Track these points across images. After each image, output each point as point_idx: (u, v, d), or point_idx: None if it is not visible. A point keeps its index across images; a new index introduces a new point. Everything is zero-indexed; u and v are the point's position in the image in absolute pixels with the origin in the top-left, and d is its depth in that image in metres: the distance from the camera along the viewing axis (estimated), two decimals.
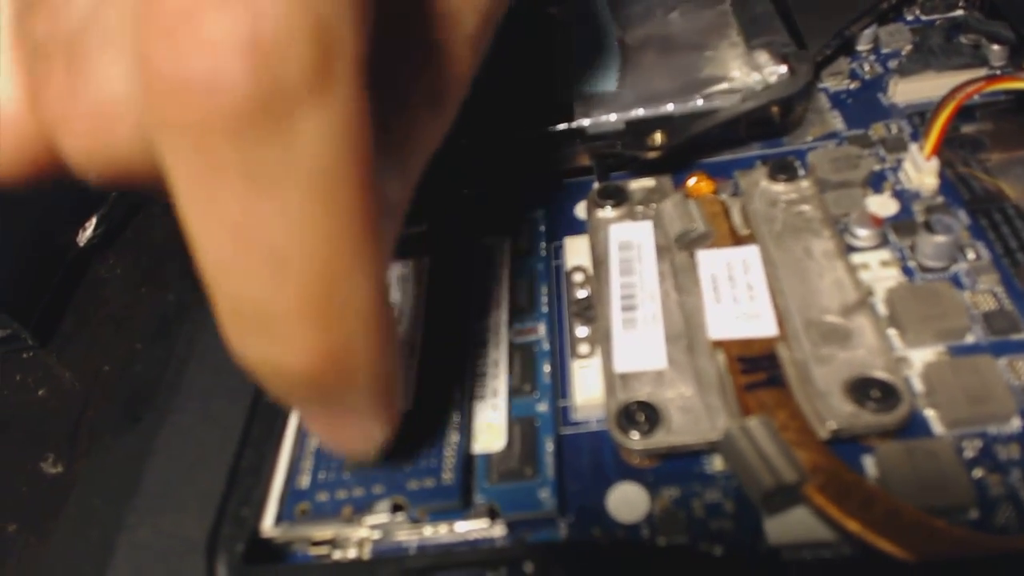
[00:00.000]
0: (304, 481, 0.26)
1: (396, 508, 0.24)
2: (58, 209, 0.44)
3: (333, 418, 0.20)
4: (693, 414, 0.25)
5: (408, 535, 0.24)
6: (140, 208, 0.46)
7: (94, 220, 0.44)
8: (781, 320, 0.26)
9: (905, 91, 0.35)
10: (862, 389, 0.24)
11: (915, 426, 0.24)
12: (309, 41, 0.14)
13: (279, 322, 0.16)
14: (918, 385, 0.25)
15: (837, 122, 0.35)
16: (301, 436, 0.27)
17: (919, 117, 0.34)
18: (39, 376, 0.42)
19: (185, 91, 0.13)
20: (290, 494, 0.25)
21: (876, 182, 0.32)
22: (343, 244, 0.15)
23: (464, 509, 0.24)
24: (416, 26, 0.18)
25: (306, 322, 0.16)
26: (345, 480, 0.25)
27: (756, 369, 0.25)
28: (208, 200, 0.15)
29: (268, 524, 0.24)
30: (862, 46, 0.38)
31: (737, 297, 0.27)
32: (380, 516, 0.24)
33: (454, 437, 0.26)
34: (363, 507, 0.24)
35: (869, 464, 0.24)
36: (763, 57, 0.34)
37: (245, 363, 0.17)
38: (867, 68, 0.37)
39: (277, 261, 0.15)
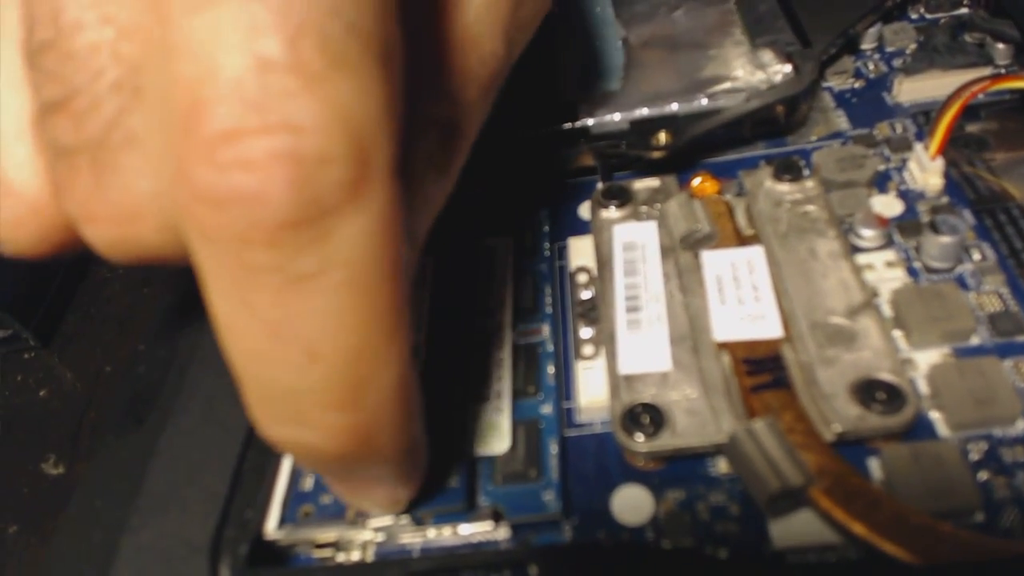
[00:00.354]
0: (308, 483, 0.26)
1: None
2: None
3: (360, 487, 0.22)
4: (698, 416, 0.25)
5: (412, 538, 0.24)
6: None
7: None
8: (786, 321, 0.26)
9: (910, 90, 0.35)
10: (868, 391, 0.24)
11: (920, 428, 0.24)
12: (347, 153, 0.14)
13: (309, 408, 0.16)
14: (923, 387, 0.25)
15: (842, 121, 0.35)
16: None
17: (923, 116, 0.34)
18: (40, 377, 0.42)
19: (227, 206, 0.14)
20: (293, 497, 0.25)
21: (881, 182, 0.32)
22: (375, 335, 0.16)
23: (469, 512, 0.24)
24: (424, 100, 0.19)
25: (336, 407, 0.16)
26: None
27: (761, 371, 0.25)
28: (243, 301, 0.15)
29: (272, 526, 0.24)
30: (866, 44, 0.37)
31: (742, 298, 0.27)
32: (384, 519, 0.24)
33: (458, 440, 0.25)
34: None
35: (874, 467, 0.24)
36: (767, 56, 0.34)
37: (273, 443, 0.18)
38: (872, 67, 0.37)
39: (310, 354, 0.16)
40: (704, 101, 0.33)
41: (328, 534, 0.24)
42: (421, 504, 0.24)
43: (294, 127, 0.14)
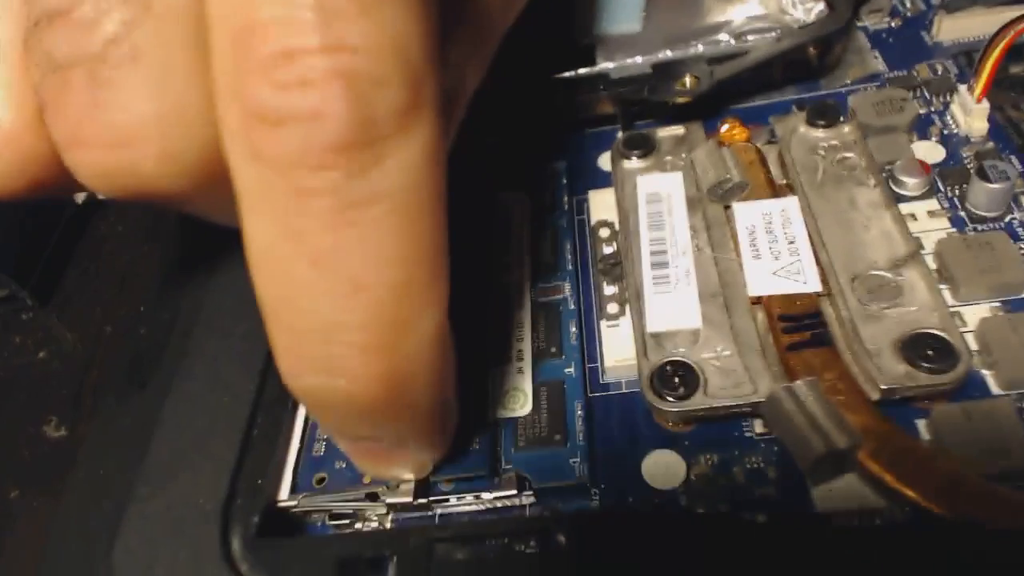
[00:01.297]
0: (320, 449, 0.24)
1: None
2: None
3: (382, 452, 0.21)
4: (733, 376, 0.23)
5: (432, 506, 0.23)
6: None
7: None
8: (825, 275, 0.25)
9: (950, 29, 0.33)
10: (915, 347, 0.22)
11: (971, 386, 0.23)
12: (402, 78, 0.14)
13: (345, 350, 0.16)
14: (972, 343, 0.24)
15: (878, 63, 0.33)
16: None
17: (965, 57, 0.32)
18: (39, 337, 0.40)
19: (284, 125, 0.14)
20: (307, 463, 0.24)
21: (921, 127, 0.30)
22: (420, 270, 0.16)
23: (491, 478, 0.23)
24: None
25: (374, 349, 0.16)
26: None
27: (799, 328, 0.24)
28: (288, 228, 0.15)
29: (284, 494, 0.23)
30: None
31: (777, 252, 0.26)
32: (403, 495, 0.23)
33: (479, 403, 0.24)
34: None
35: (922, 428, 0.22)
36: None
37: (301, 395, 0.18)
38: (908, 4, 0.35)
39: (354, 285, 0.15)
40: (732, 42, 0.31)
41: (345, 501, 0.23)
42: (442, 469, 0.23)
43: (352, 48, 0.14)
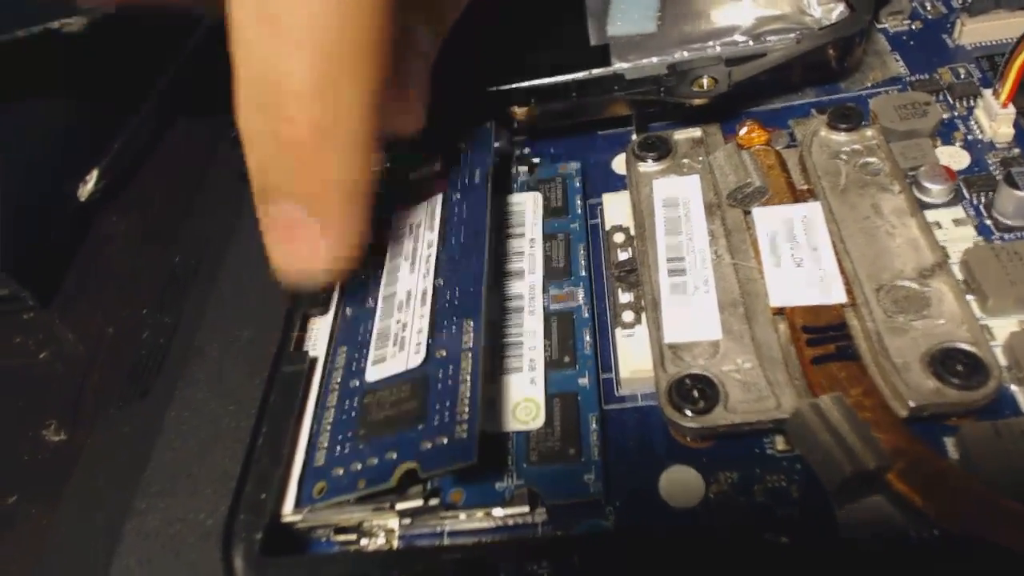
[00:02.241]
0: (320, 458, 0.23)
1: (410, 478, 0.22)
2: (57, 161, 0.41)
3: (295, 225, 0.21)
4: (755, 390, 0.22)
5: (441, 522, 0.22)
6: (144, 159, 0.43)
7: (95, 173, 0.41)
8: (849, 285, 0.24)
9: (973, 32, 0.32)
10: (944, 362, 0.21)
11: (1001, 403, 0.22)
12: None
13: (286, 94, 0.19)
14: (1001, 358, 0.23)
15: (899, 66, 0.32)
16: (320, 410, 0.25)
17: (988, 60, 0.31)
18: (40, 338, 0.40)
19: None
20: (308, 474, 0.23)
21: (944, 132, 0.29)
22: (350, 45, 0.19)
23: (479, 465, 0.21)
24: None
25: (309, 94, 0.19)
26: (360, 451, 0.23)
27: (824, 340, 0.23)
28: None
29: (288, 508, 0.22)
30: None
31: (799, 259, 0.25)
32: (412, 501, 0.22)
33: (465, 389, 0.23)
34: (378, 478, 0.22)
35: (950, 446, 0.22)
36: None
37: (248, 136, 0.20)
38: (929, 7, 0.34)
39: (296, 43, 0.19)
40: (750, 43, 0.30)
41: (351, 517, 0.22)
42: (432, 464, 0.21)
43: None
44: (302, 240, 0.21)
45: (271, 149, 0.20)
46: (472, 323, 0.24)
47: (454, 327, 0.24)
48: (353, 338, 0.26)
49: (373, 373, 0.24)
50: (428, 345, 0.24)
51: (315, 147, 0.20)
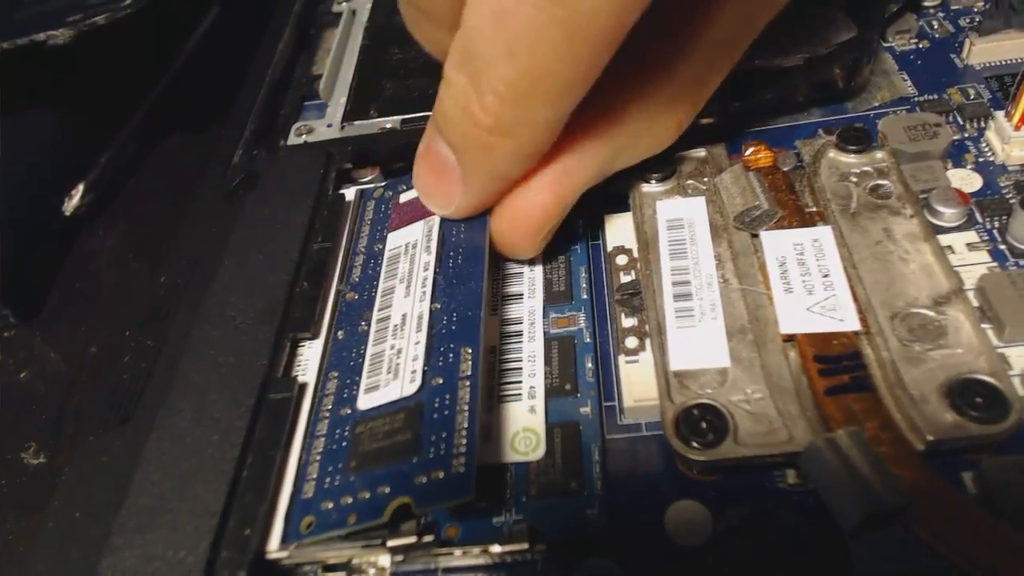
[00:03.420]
0: (309, 490, 0.22)
1: (404, 513, 0.20)
2: (42, 175, 0.40)
3: (445, 161, 0.24)
4: (765, 421, 0.21)
5: (435, 559, 0.21)
6: (131, 175, 0.42)
7: (81, 187, 0.40)
8: (863, 312, 0.23)
9: (982, 52, 0.31)
10: (963, 395, 0.21)
11: (1022, 437, 0.21)
12: None
13: (496, 61, 0.20)
14: (1020, 389, 0.22)
15: (907, 86, 0.31)
16: (309, 440, 0.23)
17: (997, 81, 0.30)
18: (22, 357, 0.39)
19: None
20: (295, 507, 0.22)
21: (955, 154, 0.28)
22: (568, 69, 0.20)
23: (477, 502, 0.20)
24: None
25: (511, 81, 0.20)
26: (351, 483, 0.21)
27: (837, 370, 0.22)
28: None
29: (274, 545, 0.21)
30: (929, 1, 0.34)
31: (810, 285, 0.24)
32: (405, 538, 0.21)
33: (463, 420, 0.21)
34: (370, 513, 0.20)
35: (968, 481, 0.21)
36: (825, 11, 0.30)
37: (448, 74, 0.22)
38: (937, 26, 0.33)
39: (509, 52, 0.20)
40: (756, 61, 0.30)
41: (340, 554, 0.21)
42: (426, 500, 0.20)
43: None
44: (443, 178, 0.24)
45: (460, 93, 0.21)
46: (470, 350, 0.23)
47: (451, 354, 0.23)
48: (345, 363, 0.25)
49: (365, 401, 0.23)
50: (424, 372, 0.23)
51: (491, 141, 0.22)
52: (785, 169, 0.28)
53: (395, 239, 0.28)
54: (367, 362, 0.24)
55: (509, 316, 0.26)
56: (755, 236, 0.26)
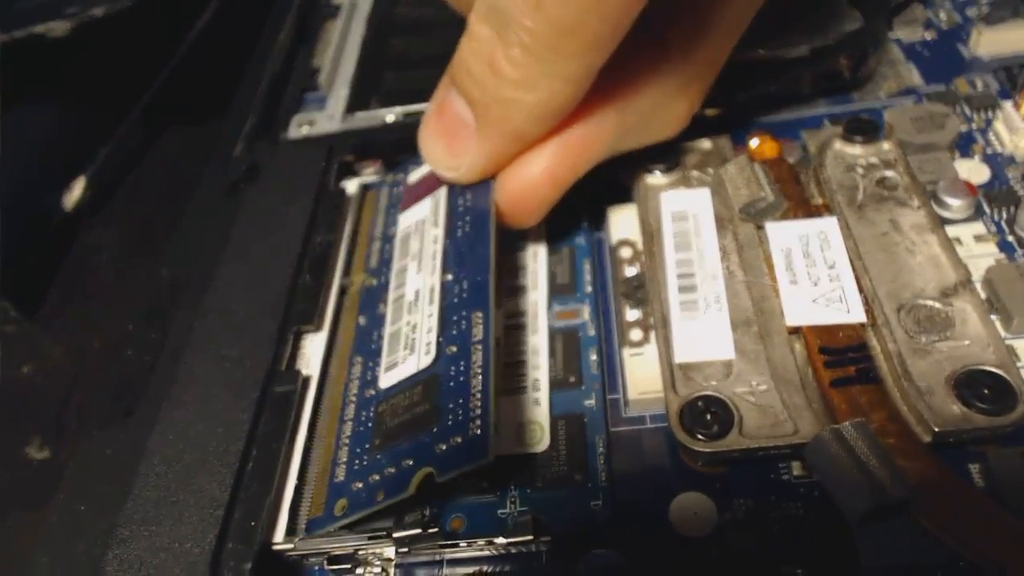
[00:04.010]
0: (340, 473, 0.22)
1: (428, 485, 0.20)
2: (42, 169, 0.40)
3: (460, 118, 0.23)
4: (771, 413, 0.21)
5: (440, 551, 0.21)
6: (132, 168, 0.42)
7: (82, 181, 0.40)
8: (869, 304, 0.23)
9: (990, 42, 0.31)
10: (970, 386, 0.20)
11: None
12: None
13: (523, 14, 0.20)
14: None
15: (913, 76, 0.31)
16: (339, 425, 0.23)
17: (1005, 72, 0.30)
18: (24, 352, 0.38)
19: None
20: (330, 491, 0.22)
21: (963, 145, 0.28)
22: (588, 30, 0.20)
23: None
24: None
25: (538, 35, 0.20)
26: (377, 461, 0.22)
27: (843, 362, 0.22)
28: None
29: (280, 536, 0.21)
30: None
31: (816, 277, 0.24)
32: (410, 529, 0.21)
33: (477, 384, 0.21)
34: (397, 487, 0.20)
35: (975, 473, 0.21)
36: (831, 1, 0.30)
37: (471, 23, 0.22)
38: (944, 17, 0.33)
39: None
40: (761, 52, 0.29)
41: (345, 545, 0.21)
42: (448, 465, 0.20)
43: None
44: (454, 138, 0.24)
45: (485, 46, 0.21)
46: (482, 314, 0.22)
47: (464, 322, 0.23)
48: (367, 347, 0.25)
49: (386, 380, 0.23)
50: (438, 344, 0.23)
51: (511, 96, 0.22)
52: (791, 160, 0.28)
53: (406, 219, 0.28)
54: (386, 342, 0.25)
55: (513, 309, 0.26)
56: (760, 227, 0.26)
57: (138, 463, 0.22)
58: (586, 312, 0.26)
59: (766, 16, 0.30)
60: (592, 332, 0.25)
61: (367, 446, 0.22)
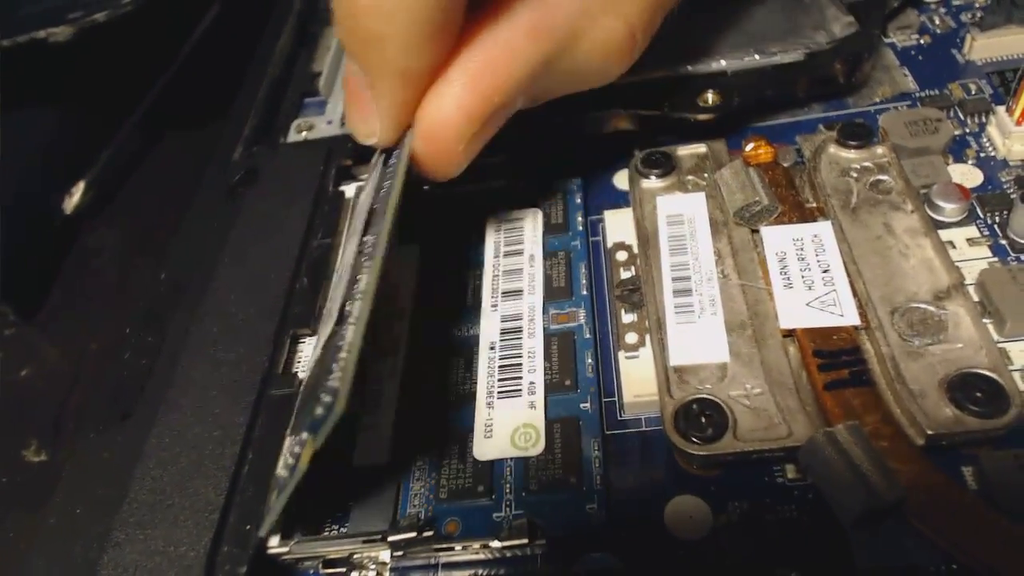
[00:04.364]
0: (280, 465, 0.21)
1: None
2: (43, 173, 0.40)
3: (359, 83, 0.22)
4: (765, 416, 0.21)
5: (435, 555, 0.21)
6: (132, 172, 0.42)
7: (81, 185, 0.40)
8: (863, 307, 0.23)
9: (984, 47, 0.31)
10: (963, 389, 0.21)
11: (1022, 432, 0.21)
12: None
13: None
14: (1021, 384, 0.22)
15: (908, 81, 0.31)
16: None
17: (999, 76, 0.30)
18: (22, 354, 0.39)
19: None
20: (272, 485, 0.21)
21: (956, 149, 0.28)
22: None
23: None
24: None
25: None
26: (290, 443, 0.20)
27: (837, 365, 0.22)
28: None
29: (275, 540, 0.21)
30: None
31: (810, 280, 0.24)
32: (405, 533, 0.21)
33: (347, 337, 0.19)
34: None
35: (968, 476, 0.21)
36: (826, 6, 0.30)
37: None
38: (938, 21, 0.33)
39: None
40: (756, 57, 0.30)
41: (340, 549, 0.21)
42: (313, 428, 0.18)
43: None
44: (360, 103, 0.23)
45: (348, 16, 0.21)
46: (369, 262, 0.20)
47: (361, 278, 0.20)
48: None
49: (312, 358, 0.23)
50: (341, 307, 0.21)
51: (375, 29, 0.21)
52: (785, 165, 0.28)
53: (359, 197, 0.26)
54: (321, 320, 0.23)
55: (509, 312, 0.26)
56: (755, 231, 0.26)
57: (134, 466, 0.22)
58: (582, 315, 0.26)
59: (762, 21, 0.30)
60: (588, 335, 0.25)
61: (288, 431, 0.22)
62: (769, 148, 0.28)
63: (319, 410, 0.17)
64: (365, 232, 0.22)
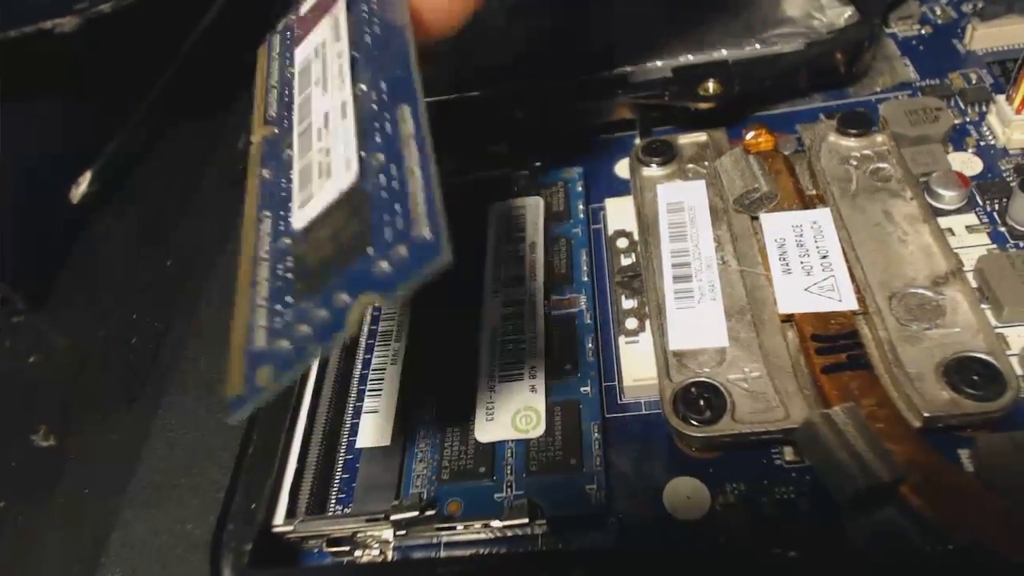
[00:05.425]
0: (260, 338, 0.18)
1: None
2: (50, 163, 0.40)
3: None
4: (763, 399, 0.22)
5: (438, 534, 0.22)
6: (138, 162, 0.42)
7: (89, 175, 0.41)
8: (861, 293, 0.23)
9: (984, 37, 0.31)
10: (960, 372, 0.21)
11: (1018, 414, 0.21)
12: None
13: None
14: (1017, 367, 0.22)
15: (908, 71, 0.31)
16: (252, 289, 0.19)
17: (999, 66, 0.30)
18: (31, 342, 0.39)
19: None
20: (248, 361, 0.18)
21: (956, 138, 0.28)
22: None
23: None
24: None
25: None
26: (303, 310, 0.17)
27: (834, 349, 0.22)
28: None
29: (279, 518, 0.22)
30: None
31: (809, 266, 0.24)
32: (408, 512, 0.21)
33: (416, 182, 0.17)
34: (330, 331, 0.17)
35: (964, 458, 0.21)
36: None
37: None
38: (939, 12, 0.33)
39: None
40: (757, 46, 0.30)
41: (344, 528, 0.22)
42: (388, 285, 0.16)
43: None
44: None
45: None
46: (409, 108, 0.18)
47: (387, 124, 0.18)
48: (276, 197, 0.21)
49: (301, 218, 0.19)
50: (360, 157, 0.19)
51: None
52: (786, 153, 0.28)
53: (303, 51, 0.24)
54: (296, 180, 0.20)
55: (511, 298, 0.26)
56: (755, 218, 0.26)
57: (141, 448, 0.23)
58: (583, 301, 0.26)
59: (763, 11, 0.31)
60: (588, 320, 0.26)
61: (288, 299, 0.18)
62: (769, 136, 0.28)
63: (411, 264, 0.16)
64: (356, 81, 0.20)
